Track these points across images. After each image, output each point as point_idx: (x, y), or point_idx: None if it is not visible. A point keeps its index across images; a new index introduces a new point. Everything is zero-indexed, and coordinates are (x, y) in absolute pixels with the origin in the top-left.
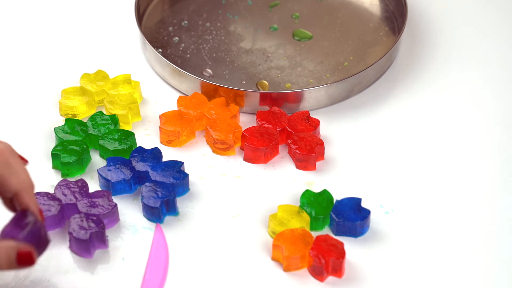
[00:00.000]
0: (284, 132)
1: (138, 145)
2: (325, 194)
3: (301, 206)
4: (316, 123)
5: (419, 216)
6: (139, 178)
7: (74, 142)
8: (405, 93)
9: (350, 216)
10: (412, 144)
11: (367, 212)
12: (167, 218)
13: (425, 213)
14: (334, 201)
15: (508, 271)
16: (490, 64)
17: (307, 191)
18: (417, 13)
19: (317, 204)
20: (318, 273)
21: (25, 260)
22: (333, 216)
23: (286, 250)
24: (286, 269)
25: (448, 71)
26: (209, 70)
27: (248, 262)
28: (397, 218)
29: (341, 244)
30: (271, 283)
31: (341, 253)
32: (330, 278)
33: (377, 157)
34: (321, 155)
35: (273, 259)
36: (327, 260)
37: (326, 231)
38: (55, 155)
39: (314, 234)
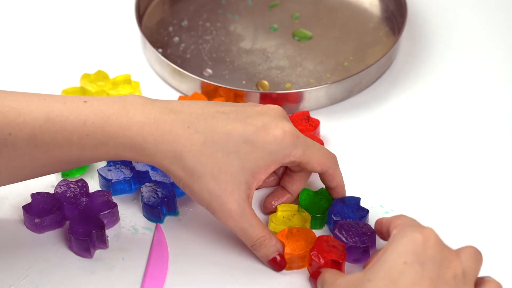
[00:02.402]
0: None
1: None
2: (323, 192)
3: (300, 205)
4: (316, 123)
5: (419, 216)
6: (139, 178)
7: None
8: (405, 93)
9: (349, 215)
10: (412, 144)
11: (366, 211)
12: (167, 218)
13: (425, 213)
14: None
15: (508, 271)
16: (490, 64)
17: (305, 189)
18: (417, 13)
19: (315, 203)
20: (318, 273)
21: (275, 264)
22: (332, 215)
23: (288, 247)
24: (287, 268)
25: (448, 71)
26: (209, 70)
27: (248, 262)
28: None
29: (342, 245)
30: (271, 283)
31: (341, 255)
32: None
33: (377, 157)
34: None
35: None
36: (327, 261)
37: (325, 230)
38: None
39: (316, 234)
